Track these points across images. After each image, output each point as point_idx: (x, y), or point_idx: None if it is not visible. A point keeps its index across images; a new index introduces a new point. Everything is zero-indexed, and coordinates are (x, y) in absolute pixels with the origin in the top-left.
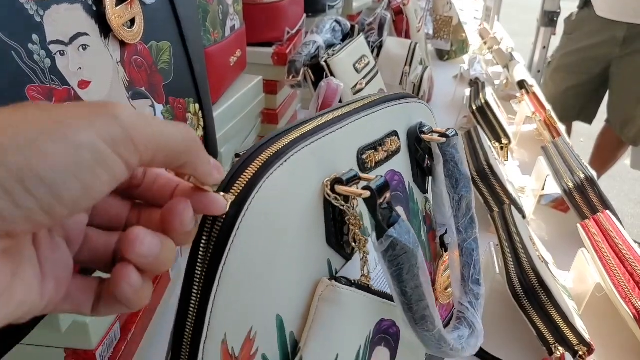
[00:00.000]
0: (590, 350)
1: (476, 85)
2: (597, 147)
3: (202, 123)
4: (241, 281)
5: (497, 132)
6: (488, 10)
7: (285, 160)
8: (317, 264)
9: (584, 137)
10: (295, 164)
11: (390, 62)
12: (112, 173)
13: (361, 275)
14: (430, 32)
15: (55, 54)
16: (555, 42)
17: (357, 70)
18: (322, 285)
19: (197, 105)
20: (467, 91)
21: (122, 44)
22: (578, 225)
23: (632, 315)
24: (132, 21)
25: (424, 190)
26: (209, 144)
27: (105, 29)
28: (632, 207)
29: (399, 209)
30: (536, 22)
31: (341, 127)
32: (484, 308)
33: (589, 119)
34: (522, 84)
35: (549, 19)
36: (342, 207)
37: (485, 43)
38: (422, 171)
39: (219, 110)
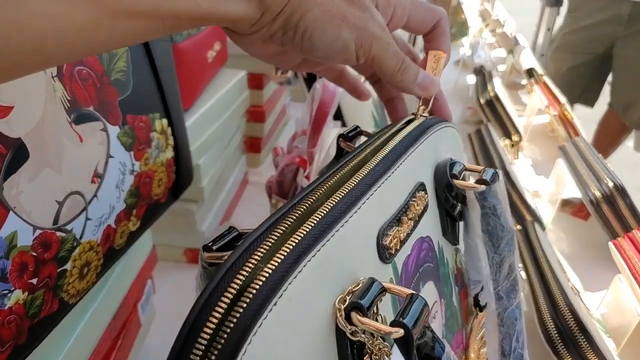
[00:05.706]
0: None
1: (482, 74)
2: (599, 131)
3: (171, 142)
4: None
5: (507, 128)
6: None
7: (280, 296)
8: None
9: (581, 120)
10: (294, 294)
11: None
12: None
13: None
14: None
15: None
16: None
17: None
18: None
19: (164, 121)
20: (469, 78)
21: None
22: (610, 243)
23: None
24: None
25: (455, 242)
26: (182, 166)
27: None
28: (633, 193)
29: (429, 285)
30: (539, 2)
31: (354, 212)
32: None
33: (590, 101)
34: (531, 72)
35: None
36: (362, 340)
37: (486, 25)
38: (451, 219)
39: (195, 116)
